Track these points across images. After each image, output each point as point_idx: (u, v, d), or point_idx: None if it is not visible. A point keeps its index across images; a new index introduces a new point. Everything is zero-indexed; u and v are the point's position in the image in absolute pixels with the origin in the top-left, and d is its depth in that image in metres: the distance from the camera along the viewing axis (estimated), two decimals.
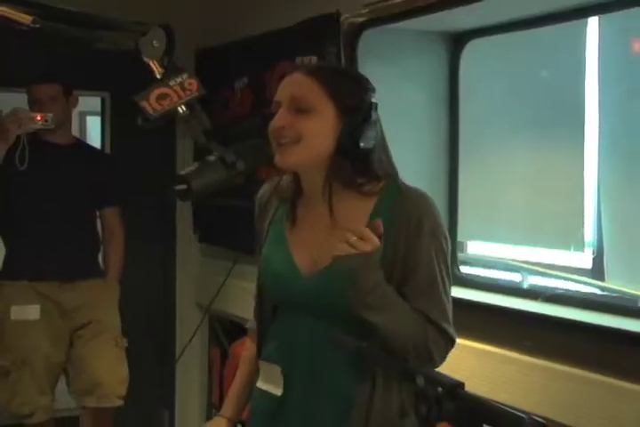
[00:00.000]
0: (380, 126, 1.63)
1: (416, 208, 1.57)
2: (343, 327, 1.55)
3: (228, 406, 1.82)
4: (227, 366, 3.92)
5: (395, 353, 1.53)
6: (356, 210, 1.61)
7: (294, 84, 1.59)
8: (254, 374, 1.76)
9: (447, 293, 1.61)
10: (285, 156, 1.57)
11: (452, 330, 1.61)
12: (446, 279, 1.60)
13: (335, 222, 1.60)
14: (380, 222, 1.49)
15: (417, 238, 1.56)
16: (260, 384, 1.70)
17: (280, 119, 1.57)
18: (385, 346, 1.53)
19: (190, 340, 3.97)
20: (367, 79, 1.65)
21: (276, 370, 1.64)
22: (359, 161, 1.59)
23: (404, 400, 1.57)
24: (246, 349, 1.86)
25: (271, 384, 1.66)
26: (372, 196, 1.61)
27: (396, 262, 1.56)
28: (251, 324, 1.85)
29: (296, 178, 1.68)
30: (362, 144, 1.56)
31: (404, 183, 1.64)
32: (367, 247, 1.47)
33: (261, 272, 1.72)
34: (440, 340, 1.58)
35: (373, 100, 1.60)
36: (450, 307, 1.61)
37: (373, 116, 1.58)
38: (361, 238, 1.46)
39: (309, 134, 1.55)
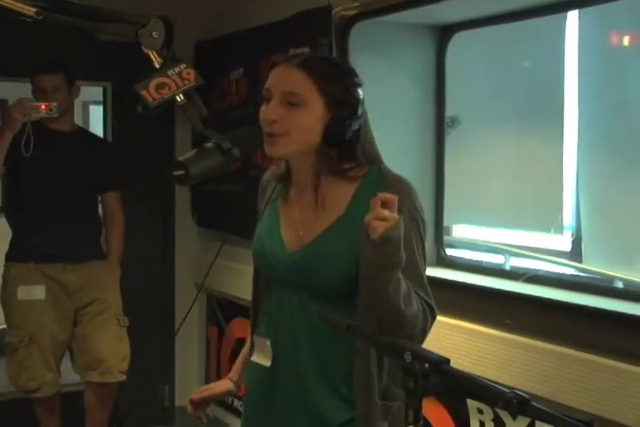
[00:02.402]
0: (366, 116, 1.64)
1: (397, 192, 1.58)
2: (322, 301, 1.59)
3: (235, 371, 1.92)
4: (224, 344, 3.94)
5: (397, 331, 1.51)
6: (340, 193, 1.63)
7: (287, 79, 1.59)
8: None
9: (424, 273, 1.62)
10: (275, 147, 1.59)
11: (435, 307, 1.62)
12: (423, 261, 1.61)
13: (321, 207, 1.63)
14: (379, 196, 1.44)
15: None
16: (254, 358, 1.74)
17: (272, 113, 1.57)
18: (389, 323, 1.52)
19: (187, 313, 4.00)
20: (355, 72, 1.65)
21: (266, 343, 1.68)
22: (344, 149, 1.62)
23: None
24: None
25: (261, 356, 1.69)
26: (355, 180, 1.63)
27: None
28: None
29: (287, 162, 1.70)
30: (347, 137, 1.59)
31: (386, 169, 1.66)
32: (395, 213, 1.42)
33: (254, 248, 1.74)
34: (429, 316, 1.59)
35: (360, 94, 1.61)
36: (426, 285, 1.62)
37: (360, 110, 1.60)
38: (385, 207, 1.41)
39: (299, 128, 1.57)
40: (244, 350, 1.91)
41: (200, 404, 1.90)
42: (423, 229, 1.62)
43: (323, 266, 1.59)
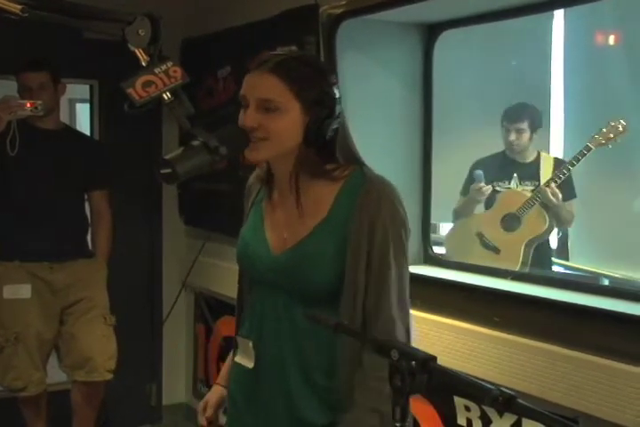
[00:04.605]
0: (343, 115, 1.63)
1: (377, 194, 1.58)
2: (306, 302, 1.59)
3: (223, 376, 1.88)
4: (211, 342, 3.93)
5: None
6: (323, 194, 1.62)
7: (261, 86, 1.58)
8: None
9: (402, 276, 1.59)
10: (257, 151, 1.59)
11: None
12: (403, 263, 1.59)
13: (304, 209, 1.62)
14: None
15: (376, 221, 1.56)
16: (237, 358, 1.73)
17: (250, 120, 1.57)
18: None
19: (170, 310, 4.00)
20: (330, 70, 1.65)
21: (248, 344, 1.68)
22: (324, 150, 1.61)
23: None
24: None
25: (244, 358, 1.69)
26: (338, 181, 1.62)
27: (363, 241, 1.56)
28: None
29: (268, 165, 1.70)
30: (327, 136, 1.59)
31: (369, 170, 1.65)
32: None
33: (238, 249, 1.74)
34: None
35: (337, 93, 1.61)
36: (404, 287, 1.60)
37: (337, 109, 1.60)
38: None
39: (278, 132, 1.57)
40: (232, 355, 1.88)
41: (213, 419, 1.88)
42: (405, 233, 1.59)
43: (308, 268, 1.59)
